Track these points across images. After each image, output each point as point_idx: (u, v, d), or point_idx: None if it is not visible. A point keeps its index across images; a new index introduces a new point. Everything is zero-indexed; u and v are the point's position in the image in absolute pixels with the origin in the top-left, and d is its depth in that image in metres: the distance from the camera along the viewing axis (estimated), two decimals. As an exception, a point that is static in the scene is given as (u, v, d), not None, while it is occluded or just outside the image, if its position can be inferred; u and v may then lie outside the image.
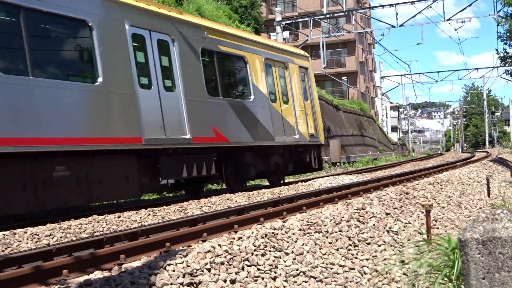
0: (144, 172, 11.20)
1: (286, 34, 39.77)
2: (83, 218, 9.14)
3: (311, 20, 32.43)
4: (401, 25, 31.02)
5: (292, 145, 16.59)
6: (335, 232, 6.44)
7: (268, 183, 17.09)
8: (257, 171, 15.13)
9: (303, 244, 5.76)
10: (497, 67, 23.53)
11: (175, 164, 11.86)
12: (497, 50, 24.01)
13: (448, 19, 30.42)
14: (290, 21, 33.89)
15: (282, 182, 16.80)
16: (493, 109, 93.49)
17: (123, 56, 10.80)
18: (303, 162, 17.47)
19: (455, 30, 36.03)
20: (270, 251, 5.33)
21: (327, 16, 33.64)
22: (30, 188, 8.95)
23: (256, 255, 5.09)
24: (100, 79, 10.20)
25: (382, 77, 63.53)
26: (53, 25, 9.91)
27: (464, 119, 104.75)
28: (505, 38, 22.17)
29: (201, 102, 12.69)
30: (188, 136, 12.04)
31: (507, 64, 23.05)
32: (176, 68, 12.11)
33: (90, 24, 10.14)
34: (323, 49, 34.13)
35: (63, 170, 9.49)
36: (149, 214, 9.79)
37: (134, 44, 11.12)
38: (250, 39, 15.60)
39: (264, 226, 6.13)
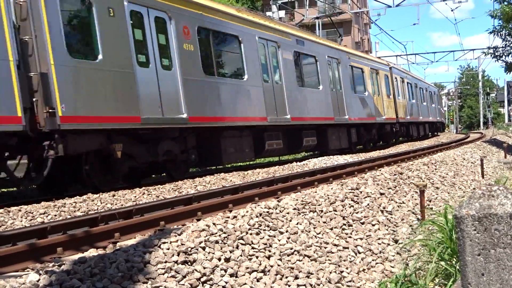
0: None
1: (282, 13, 39.45)
2: (78, 197, 9.13)
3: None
4: (397, 5, 30.91)
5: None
6: (330, 211, 6.45)
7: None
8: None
9: (297, 223, 5.77)
10: (493, 47, 23.49)
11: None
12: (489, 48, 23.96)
13: (445, -1, 30.29)
14: (286, 0, 33.63)
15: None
16: (488, 90, 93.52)
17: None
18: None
19: (452, 10, 35.89)
20: (264, 230, 5.34)
21: (324, -5, 33.39)
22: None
23: (251, 234, 5.10)
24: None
25: (378, 58, 63.26)
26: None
27: (459, 100, 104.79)
28: (497, 29, 22.08)
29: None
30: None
31: (501, 57, 23.17)
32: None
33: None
34: (319, 29, 33.94)
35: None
36: (143, 193, 9.79)
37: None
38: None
39: (258, 205, 6.13)
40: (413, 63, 53.56)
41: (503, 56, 23.09)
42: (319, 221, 6.09)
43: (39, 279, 3.71)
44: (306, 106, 18.07)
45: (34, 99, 9.14)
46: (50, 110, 9.20)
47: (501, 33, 22.11)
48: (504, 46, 23.23)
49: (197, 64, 13.06)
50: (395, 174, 9.53)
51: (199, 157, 13.58)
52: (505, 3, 21.53)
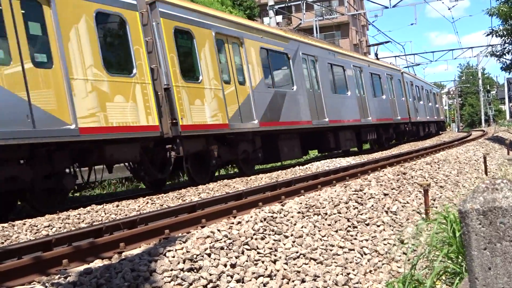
0: None
1: (279, 18, 39.51)
2: (82, 208, 9.13)
3: (304, 3, 32.27)
4: (394, 6, 30.90)
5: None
6: (334, 214, 6.44)
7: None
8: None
9: (302, 227, 5.76)
10: (492, 45, 23.57)
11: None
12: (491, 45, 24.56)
13: (441, -2, 30.31)
14: (283, 5, 33.70)
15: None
16: (488, 88, 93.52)
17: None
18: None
19: (449, 9, 35.94)
20: (269, 234, 5.33)
21: (320, -1, 33.45)
22: None
23: (256, 239, 5.09)
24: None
25: (377, 59, 63.23)
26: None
27: (460, 99, 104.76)
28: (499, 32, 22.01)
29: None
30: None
31: (501, 56, 23.20)
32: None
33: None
34: (316, 32, 34.00)
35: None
36: (147, 202, 9.78)
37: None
38: None
39: (263, 210, 6.13)
40: (412, 63, 53.40)
41: (503, 56, 23.10)
42: (323, 224, 6.08)
43: (45, 292, 3.70)
44: (422, 111, 35.50)
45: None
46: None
47: (499, 33, 22.08)
48: (502, 44, 23.23)
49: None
50: (398, 175, 9.51)
51: None
52: (502, 1, 21.51)
